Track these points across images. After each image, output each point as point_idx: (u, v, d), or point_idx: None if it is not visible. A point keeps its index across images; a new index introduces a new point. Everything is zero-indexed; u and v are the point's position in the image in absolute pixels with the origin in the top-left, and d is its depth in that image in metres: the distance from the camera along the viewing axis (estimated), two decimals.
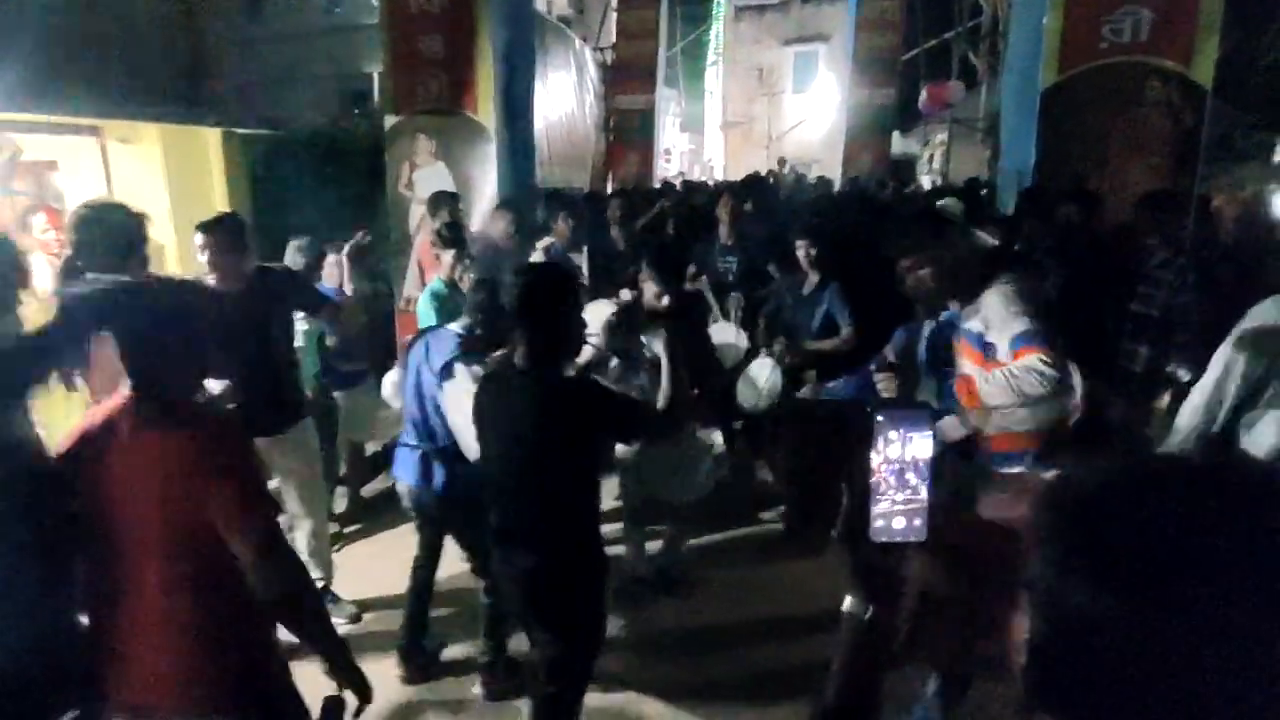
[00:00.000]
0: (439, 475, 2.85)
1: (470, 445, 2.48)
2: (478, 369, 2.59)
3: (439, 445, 2.83)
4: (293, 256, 4.04)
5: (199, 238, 3.03)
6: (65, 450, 1.72)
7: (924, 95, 14.10)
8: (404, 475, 2.95)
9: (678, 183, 11.98)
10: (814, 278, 4.08)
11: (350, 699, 1.72)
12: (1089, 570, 0.52)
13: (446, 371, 2.65)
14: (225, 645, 1.73)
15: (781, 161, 16.07)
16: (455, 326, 2.79)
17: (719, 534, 4.18)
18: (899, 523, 0.85)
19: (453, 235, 4.06)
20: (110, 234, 2.61)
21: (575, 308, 2.14)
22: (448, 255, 3.97)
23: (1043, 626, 0.55)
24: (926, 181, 15.64)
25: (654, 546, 3.73)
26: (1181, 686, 0.49)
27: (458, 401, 2.56)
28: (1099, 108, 4.67)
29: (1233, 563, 0.49)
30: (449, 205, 4.69)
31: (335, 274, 4.06)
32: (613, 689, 2.97)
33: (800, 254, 4.08)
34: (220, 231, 3.04)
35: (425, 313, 3.67)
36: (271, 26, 10.38)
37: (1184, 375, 3.50)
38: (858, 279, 3.97)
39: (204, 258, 3.04)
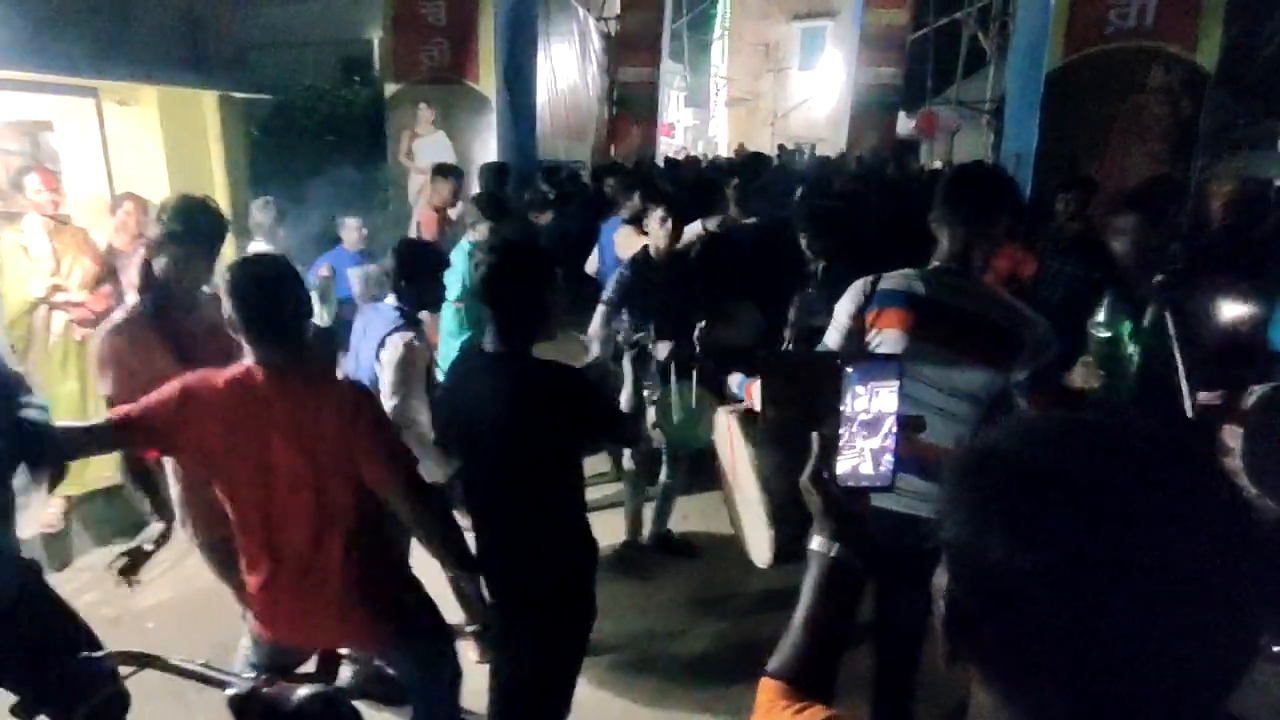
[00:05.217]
0: None
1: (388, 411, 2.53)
2: (409, 335, 2.61)
3: None
4: (256, 216, 4.04)
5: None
6: (171, 409, 1.74)
7: (915, 122, 14.05)
8: None
9: (681, 158, 11.90)
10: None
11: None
12: (1005, 527, 0.54)
13: (383, 344, 2.64)
14: (378, 581, 1.93)
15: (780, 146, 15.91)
16: (391, 301, 2.77)
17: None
18: (866, 469, 0.89)
19: (492, 206, 4.05)
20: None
21: (545, 288, 2.00)
22: (484, 227, 3.92)
23: (960, 581, 0.59)
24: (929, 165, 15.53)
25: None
26: (1101, 640, 0.51)
27: (389, 372, 2.61)
28: (1102, 92, 4.64)
29: (1145, 517, 0.51)
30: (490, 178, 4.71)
31: (354, 237, 4.11)
32: (616, 656, 2.99)
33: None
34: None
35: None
36: None
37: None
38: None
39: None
